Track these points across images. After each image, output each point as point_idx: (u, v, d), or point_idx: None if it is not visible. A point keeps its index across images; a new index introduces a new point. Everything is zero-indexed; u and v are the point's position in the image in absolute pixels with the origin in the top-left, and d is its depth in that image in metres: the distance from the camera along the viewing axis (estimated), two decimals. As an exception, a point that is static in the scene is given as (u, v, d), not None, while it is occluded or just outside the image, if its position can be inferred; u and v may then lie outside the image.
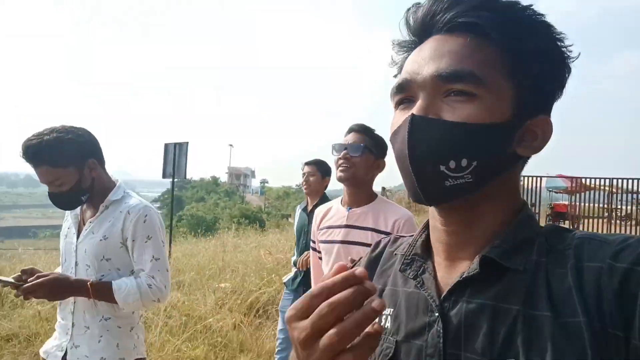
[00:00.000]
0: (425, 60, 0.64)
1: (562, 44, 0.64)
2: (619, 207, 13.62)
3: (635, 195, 12.86)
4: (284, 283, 3.57)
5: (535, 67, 0.63)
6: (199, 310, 4.80)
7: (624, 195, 13.37)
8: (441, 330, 0.64)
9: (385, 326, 0.72)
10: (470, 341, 0.61)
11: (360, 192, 2.04)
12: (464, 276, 0.64)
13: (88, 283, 1.70)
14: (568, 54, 0.64)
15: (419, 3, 0.68)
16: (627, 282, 0.53)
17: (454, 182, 0.61)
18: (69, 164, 1.72)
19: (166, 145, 8.37)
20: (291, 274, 3.52)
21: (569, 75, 0.65)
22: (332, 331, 0.47)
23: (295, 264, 3.44)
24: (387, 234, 1.86)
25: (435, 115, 0.62)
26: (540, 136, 0.65)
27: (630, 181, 12.44)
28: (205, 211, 32.47)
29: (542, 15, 0.63)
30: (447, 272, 0.69)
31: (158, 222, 1.85)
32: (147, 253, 1.78)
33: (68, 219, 1.93)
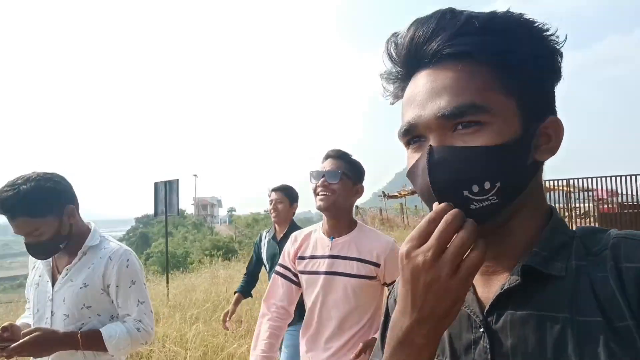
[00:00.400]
0: (424, 101, 0.64)
1: (547, 34, 0.63)
2: (577, 205, 14.18)
3: (591, 193, 13.48)
4: None
5: (531, 72, 0.63)
6: (219, 339, 4.92)
7: (581, 194, 13.97)
8: (488, 346, 0.63)
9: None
10: (519, 354, 0.60)
11: (342, 220, 2.02)
12: (505, 288, 0.63)
13: (77, 335, 1.65)
14: (555, 41, 0.64)
15: (397, 33, 0.68)
16: None
17: (480, 204, 0.61)
18: (48, 213, 1.67)
19: (156, 184, 8.60)
20: None
21: (561, 60, 0.65)
22: (459, 236, 0.56)
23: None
24: (372, 263, 1.92)
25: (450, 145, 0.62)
26: (554, 137, 0.65)
27: (585, 180, 13.07)
28: (174, 246, 31.63)
29: (521, 15, 0.63)
30: (486, 287, 0.68)
31: (138, 265, 1.84)
32: (133, 297, 1.77)
33: (39, 267, 1.86)
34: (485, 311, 0.65)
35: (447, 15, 0.63)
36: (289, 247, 2.15)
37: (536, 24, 0.63)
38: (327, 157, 2.04)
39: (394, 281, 1.83)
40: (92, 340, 1.67)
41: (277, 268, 2.19)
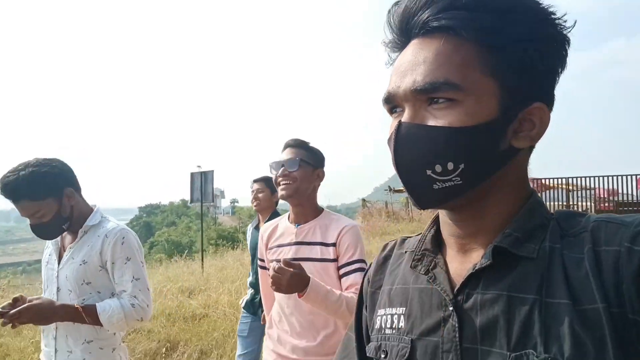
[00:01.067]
0: (405, 71, 0.64)
1: (551, 17, 0.60)
2: (577, 204, 14.34)
3: (590, 192, 13.69)
4: (242, 307, 3.44)
5: (519, 54, 0.59)
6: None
7: (581, 192, 14.17)
8: (457, 325, 0.62)
9: (399, 326, 0.70)
10: (486, 334, 0.59)
11: (306, 206, 2.04)
12: (476, 268, 0.62)
13: (74, 307, 1.76)
14: (562, 25, 0.61)
15: (398, 2, 0.67)
16: None
17: (442, 185, 0.61)
18: (47, 195, 1.79)
19: (192, 174, 9.58)
20: (247, 296, 3.39)
21: (568, 45, 0.62)
22: None
23: (251, 285, 3.39)
24: (333, 244, 1.93)
25: (420, 122, 0.62)
26: (538, 124, 0.63)
27: (585, 179, 13.31)
28: (178, 235, 31.87)
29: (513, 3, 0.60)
30: (460, 265, 0.67)
31: (136, 243, 1.92)
32: (128, 274, 1.84)
33: (49, 247, 2.00)
34: (455, 290, 0.65)
35: None
36: (260, 243, 2.19)
37: (540, 6, 0.60)
38: (285, 146, 2.07)
39: (344, 264, 1.88)
40: (88, 313, 1.76)
41: (258, 262, 2.26)
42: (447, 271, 0.69)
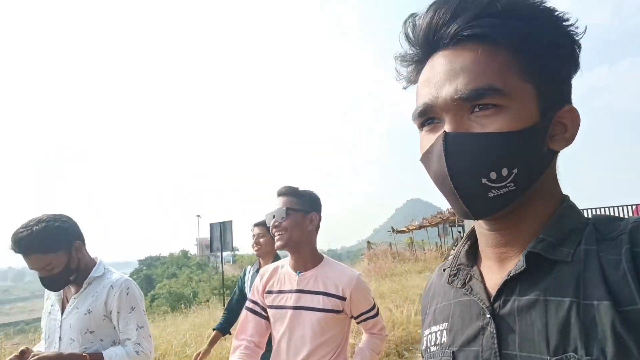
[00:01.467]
0: (441, 82, 0.63)
1: (567, 23, 0.62)
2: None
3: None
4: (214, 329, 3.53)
5: (549, 59, 0.62)
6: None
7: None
8: (494, 332, 0.62)
9: (442, 341, 0.72)
10: (525, 339, 0.59)
11: (305, 254, 2.03)
12: (511, 274, 0.63)
13: (82, 355, 1.82)
14: (575, 31, 0.63)
15: (416, 14, 0.67)
16: None
17: (498, 192, 0.60)
18: (59, 249, 1.89)
19: (211, 225, 10.42)
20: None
21: (580, 52, 0.64)
22: None
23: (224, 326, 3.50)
24: (338, 297, 1.93)
25: (466, 131, 0.61)
26: (570, 126, 0.64)
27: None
28: (179, 287, 31.34)
29: (542, 2, 0.62)
30: (498, 274, 0.67)
31: (138, 294, 2.03)
32: (132, 322, 1.94)
33: (51, 297, 2.08)
34: (492, 298, 0.65)
35: None
36: (258, 282, 2.16)
37: (557, 12, 0.62)
38: (277, 195, 2.07)
39: (362, 314, 1.99)
40: None
41: (247, 303, 2.19)
42: (482, 281, 0.69)
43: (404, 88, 0.74)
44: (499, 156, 0.59)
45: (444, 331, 0.72)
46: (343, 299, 1.95)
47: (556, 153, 0.65)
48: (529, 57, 0.61)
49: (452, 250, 0.80)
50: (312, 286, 1.99)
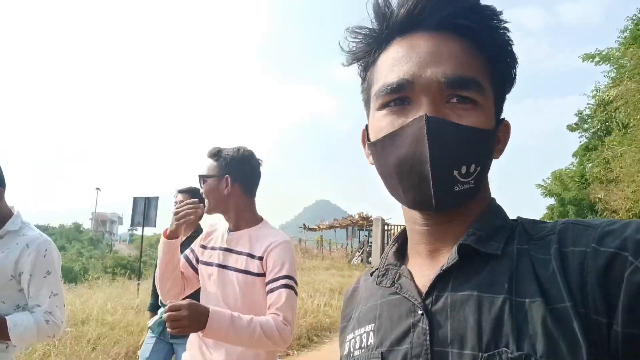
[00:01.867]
0: (425, 62, 0.61)
1: (512, 44, 0.64)
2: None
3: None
4: (149, 327, 3.16)
5: (507, 76, 0.66)
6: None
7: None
8: (427, 328, 0.60)
9: (369, 343, 0.68)
10: (457, 335, 0.58)
11: (231, 216, 1.98)
12: (444, 268, 0.62)
13: None
14: (516, 57, 0.66)
15: None
16: (611, 267, 0.51)
17: (461, 187, 0.61)
18: None
19: (135, 199, 9.64)
20: (157, 317, 2.96)
21: (516, 70, 0.67)
22: None
23: (163, 304, 3.06)
24: (260, 258, 1.85)
25: (446, 118, 0.60)
26: (503, 139, 0.68)
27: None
28: (67, 261, 29.03)
29: (507, 22, 0.64)
30: (429, 270, 0.66)
31: (57, 257, 1.82)
32: (46, 288, 1.74)
33: None
34: (424, 294, 0.63)
35: None
36: (202, 235, 2.14)
37: (507, 28, 0.64)
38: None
39: (271, 280, 1.77)
40: None
41: (185, 252, 2.14)
42: (412, 279, 0.67)
43: (345, 65, 0.72)
44: (472, 151, 0.61)
45: (371, 332, 0.69)
46: (261, 259, 1.87)
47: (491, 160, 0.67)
48: (498, 68, 0.64)
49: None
50: (239, 246, 1.93)
